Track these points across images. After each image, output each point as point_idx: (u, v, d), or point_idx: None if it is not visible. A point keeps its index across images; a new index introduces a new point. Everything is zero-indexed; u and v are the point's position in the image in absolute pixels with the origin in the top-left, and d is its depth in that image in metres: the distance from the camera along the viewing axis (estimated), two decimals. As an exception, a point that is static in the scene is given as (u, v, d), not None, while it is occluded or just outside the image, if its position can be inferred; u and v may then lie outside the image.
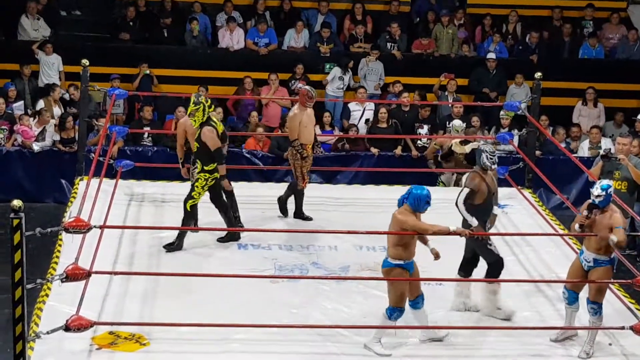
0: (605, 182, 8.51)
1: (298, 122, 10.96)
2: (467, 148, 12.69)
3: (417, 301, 8.57)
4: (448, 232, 8.31)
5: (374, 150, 14.43)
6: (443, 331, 8.62)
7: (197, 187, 10.22)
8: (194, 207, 10.30)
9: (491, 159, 9.04)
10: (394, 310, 8.36)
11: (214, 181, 10.26)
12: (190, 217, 10.31)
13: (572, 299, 8.69)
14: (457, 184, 12.94)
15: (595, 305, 8.54)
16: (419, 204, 8.30)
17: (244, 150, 14.09)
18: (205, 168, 10.18)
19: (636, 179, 10.70)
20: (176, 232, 10.28)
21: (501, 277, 9.18)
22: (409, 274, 8.37)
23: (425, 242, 8.46)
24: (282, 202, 11.43)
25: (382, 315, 8.44)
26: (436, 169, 13.24)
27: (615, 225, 8.34)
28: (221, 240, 10.45)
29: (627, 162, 10.67)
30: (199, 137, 10.15)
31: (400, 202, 8.38)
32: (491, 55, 16.13)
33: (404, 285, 8.37)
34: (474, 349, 8.60)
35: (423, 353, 8.49)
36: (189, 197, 10.28)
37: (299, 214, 11.40)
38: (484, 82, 16.09)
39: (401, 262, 8.31)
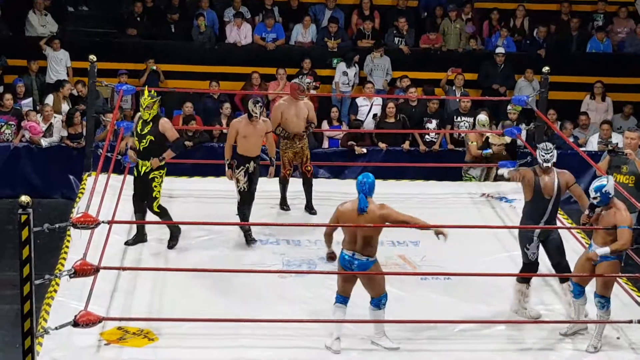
0: (599, 182, 8.46)
1: (279, 114, 11.23)
2: (507, 138, 12.65)
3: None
4: (428, 227, 8.45)
5: (382, 145, 14.41)
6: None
7: (154, 187, 10.13)
8: (162, 207, 10.23)
9: (543, 156, 8.94)
10: (382, 298, 8.42)
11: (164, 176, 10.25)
12: (164, 216, 10.25)
13: (577, 292, 8.67)
14: (491, 177, 12.93)
15: (603, 299, 8.52)
16: (374, 189, 8.40)
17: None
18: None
19: None
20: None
21: (510, 271, 9.21)
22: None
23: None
24: (281, 198, 11.60)
25: (371, 311, 8.45)
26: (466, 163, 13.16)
27: (619, 224, 8.32)
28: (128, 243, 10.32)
29: (634, 157, 10.61)
30: (155, 131, 10.03)
31: (364, 204, 8.29)
32: (500, 50, 16.08)
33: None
34: (483, 343, 8.61)
35: (431, 347, 8.50)
36: (152, 199, 10.16)
37: (309, 208, 11.51)
38: (492, 77, 16.06)
39: (376, 257, 8.40)
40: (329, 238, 8.76)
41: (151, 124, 10.08)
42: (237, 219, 10.61)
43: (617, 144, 11.50)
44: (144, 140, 10.09)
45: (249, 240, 10.40)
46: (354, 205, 8.36)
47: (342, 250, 8.42)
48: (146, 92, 10.11)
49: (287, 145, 11.31)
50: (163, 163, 10.12)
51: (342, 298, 8.47)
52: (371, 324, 8.52)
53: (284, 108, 11.23)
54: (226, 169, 10.52)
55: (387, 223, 8.32)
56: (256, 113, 10.31)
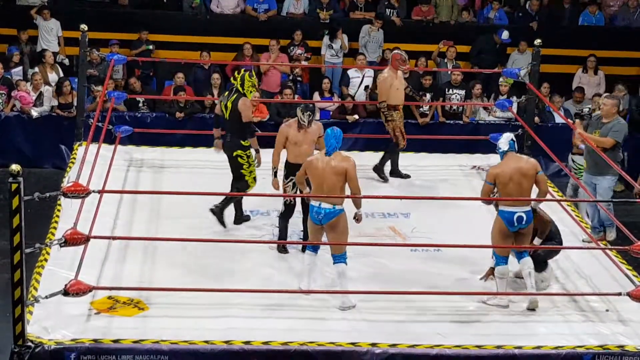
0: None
1: (389, 85, 11.48)
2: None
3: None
4: (358, 207, 8.71)
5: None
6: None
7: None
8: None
9: None
10: (345, 254, 8.61)
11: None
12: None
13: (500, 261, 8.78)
14: None
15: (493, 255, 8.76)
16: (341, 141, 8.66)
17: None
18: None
19: (597, 143, 10.49)
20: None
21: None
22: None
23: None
24: (379, 169, 11.89)
25: (339, 269, 8.58)
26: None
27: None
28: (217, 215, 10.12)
29: (586, 136, 10.63)
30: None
31: (333, 149, 8.54)
32: (505, 36, 15.86)
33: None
34: (474, 315, 8.63)
35: (420, 319, 8.52)
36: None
37: (397, 173, 11.91)
38: (488, 52, 15.93)
39: (343, 206, 8.56)
40: (301, 186, 9.02)
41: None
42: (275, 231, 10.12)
43: (583, 109, 11.52)
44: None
45: (282, 250, 9.72)
46: (321, 155, 8.61)
47: (310, 203, 8.60)
48: (241, 73, 9.97)
49: (398, 115, 11.67)
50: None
51: (313, 247, 8.79)
52: (338, 287, 8.64)
53: (392, 80, 11.50)
54: (272, 177, 9.77)
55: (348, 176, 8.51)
56: (304, 122, 9.50)
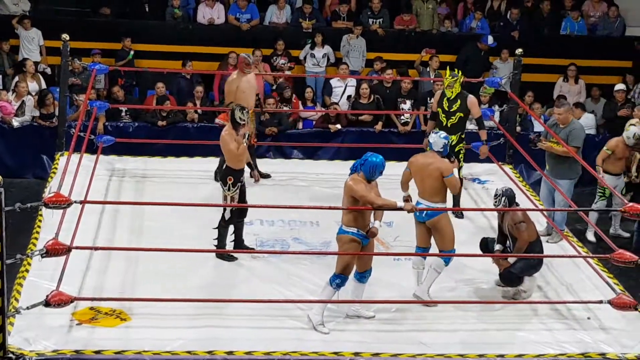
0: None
1: (235, 88, 11.34)
2: None
3: (365, 275, 8.61)
4: (395, 208, 8.30)
5: (368, 120, 14.39)
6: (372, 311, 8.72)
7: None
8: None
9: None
10: (337, 277, 8.40)
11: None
12: None
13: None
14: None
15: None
16: (374, 173, 8.33)
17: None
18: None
19: (561, 154, 10.83)
20: None
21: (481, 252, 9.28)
22: (361, 245, 8.38)
23: (376, 216, 8.46)
24: (218, 172, 11.57)
25: (325, 284, 8.48)
26: None
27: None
28: None
29: (549, 145, 11.02)
30: (464, 107, 10.96)
31: (354, 169, 8.39)
32: (490, 41, 15.88)
33: (352, 255, 8.40)
34: (459, 323, 8.67)
35: (402, 328, 8.54)
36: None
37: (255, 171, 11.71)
38: (474, 62, 15.93)
39: (354, 230, 8.32)
40: None
41: (459, 101, 10.97)
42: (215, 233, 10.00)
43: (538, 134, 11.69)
44: (453, 117, 10.99)
45: (228, 258, 9.77)
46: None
47: None
48: (448, 72, 11.04)
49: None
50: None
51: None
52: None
53: (238, 82, 11.38)
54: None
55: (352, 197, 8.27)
56: (244, 120, 9.56)
